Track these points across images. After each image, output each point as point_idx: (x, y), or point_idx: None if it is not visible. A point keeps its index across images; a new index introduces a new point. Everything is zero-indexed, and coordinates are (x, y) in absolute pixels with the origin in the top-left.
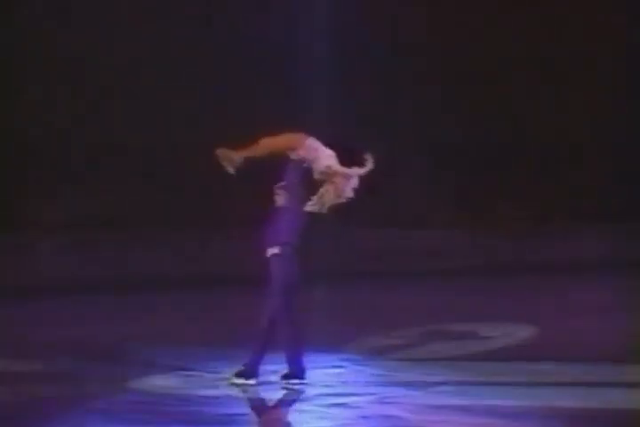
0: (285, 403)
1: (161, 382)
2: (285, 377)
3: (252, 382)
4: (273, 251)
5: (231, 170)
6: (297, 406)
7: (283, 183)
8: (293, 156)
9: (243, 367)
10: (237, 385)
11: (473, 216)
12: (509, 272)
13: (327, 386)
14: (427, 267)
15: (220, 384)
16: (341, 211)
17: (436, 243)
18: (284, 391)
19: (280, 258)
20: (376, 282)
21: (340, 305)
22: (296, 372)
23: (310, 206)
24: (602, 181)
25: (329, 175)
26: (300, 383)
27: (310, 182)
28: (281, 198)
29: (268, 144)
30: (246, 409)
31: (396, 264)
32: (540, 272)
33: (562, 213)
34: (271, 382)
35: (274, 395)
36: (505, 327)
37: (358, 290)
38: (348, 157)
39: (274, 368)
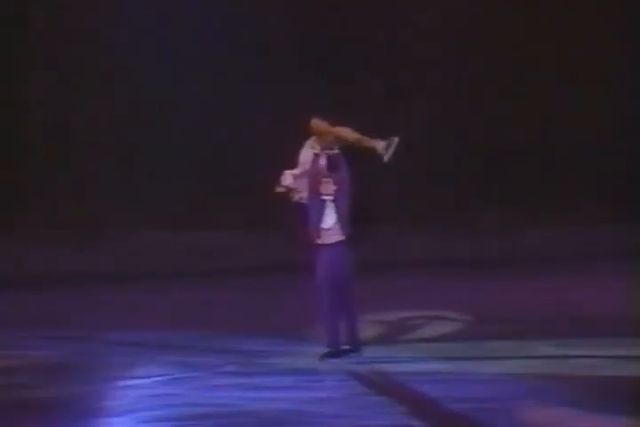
0: None
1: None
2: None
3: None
4: (339, 238)
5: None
6: None
7: (333, 175)
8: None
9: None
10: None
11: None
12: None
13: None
14: (218, 266)
15: None
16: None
17: (220, 243)
18: None
19: (346, 244)
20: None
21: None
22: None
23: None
24: None
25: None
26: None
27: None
28: (329, 189)
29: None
30: None
31: (182, 265)
32: None
33: None
34: None
35: None
36: None
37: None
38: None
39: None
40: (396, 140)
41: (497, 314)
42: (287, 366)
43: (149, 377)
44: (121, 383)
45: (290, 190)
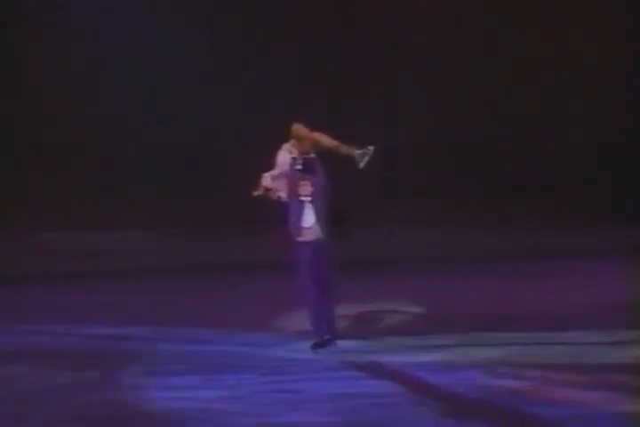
0: None
1: None
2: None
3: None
4: (319, 235)
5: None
6: None
7: (310, 178)
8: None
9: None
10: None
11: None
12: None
13: None
14: (117, 267)
15: None
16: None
17: (123, 244)
18: None
19: (326, 242)
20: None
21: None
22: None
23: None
24: None
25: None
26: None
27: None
28: (306, 190)
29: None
30: None
31: (87, 265)
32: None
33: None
34: None
35: None
36: None
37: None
38: None
39: None
40: (372, 148)
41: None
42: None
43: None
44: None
45: (269, 191)
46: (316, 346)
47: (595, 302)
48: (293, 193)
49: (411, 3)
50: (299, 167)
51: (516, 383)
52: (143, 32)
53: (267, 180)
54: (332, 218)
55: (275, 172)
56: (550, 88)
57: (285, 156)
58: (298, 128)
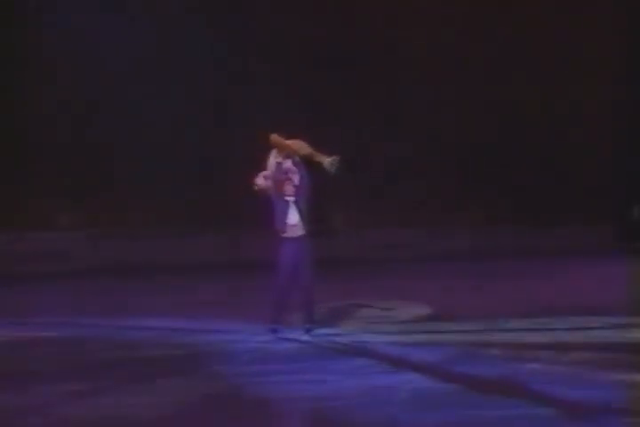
0: None
1: None
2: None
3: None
4: (302, 232)
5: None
6: None
7: (294, 178)
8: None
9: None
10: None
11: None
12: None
13: None
14: (52, 269)
15: None
16: None
17: (58, 245)
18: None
19: (307, 238)
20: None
21: None
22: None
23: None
24: None
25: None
26: None
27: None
28: (290, 190)
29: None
30: None
31: (22, 266)
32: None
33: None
34: None
35: None
36: None
37: None
38: None
39: None
40: (338, 158)
41: None
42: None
43: None
44: None
45: (263, 189)
46: (270, 330)
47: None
48: (278, 193)
49: (411, 3)
50: (285, 167)
51: None
52: (143, 32)
53: (259, 179)
54: (314, 217)
55: (266, 172)
56: (550, 88)
57: (272, 160)
58: (274, 138)
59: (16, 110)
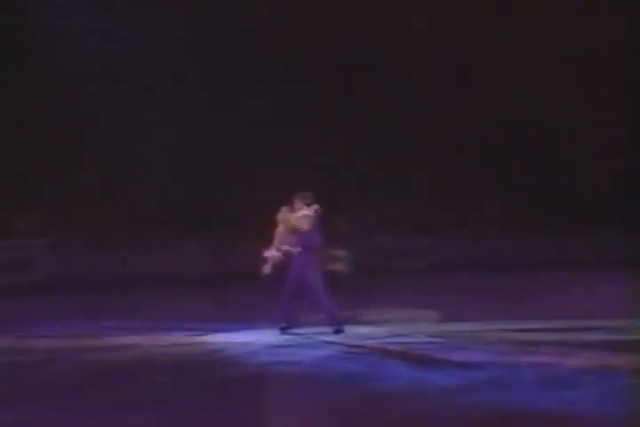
0: None
1: None
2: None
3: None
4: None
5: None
6: None
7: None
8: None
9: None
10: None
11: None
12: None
13: None
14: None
15: None
16: None
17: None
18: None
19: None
20: None
21: None
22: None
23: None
24: None
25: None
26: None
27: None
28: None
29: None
30: None
31: None
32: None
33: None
34: None
35: None
36: None
37: None
38: None
39: None
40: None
41: None
42: None
43: None
44: None
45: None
46: (282, 330)
47: None
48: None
49: (410, 10)
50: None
51: None
52: (143, 32)
53: (269, 253)
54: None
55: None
56: (550, 88)
57: (283, 215)
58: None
59: None
